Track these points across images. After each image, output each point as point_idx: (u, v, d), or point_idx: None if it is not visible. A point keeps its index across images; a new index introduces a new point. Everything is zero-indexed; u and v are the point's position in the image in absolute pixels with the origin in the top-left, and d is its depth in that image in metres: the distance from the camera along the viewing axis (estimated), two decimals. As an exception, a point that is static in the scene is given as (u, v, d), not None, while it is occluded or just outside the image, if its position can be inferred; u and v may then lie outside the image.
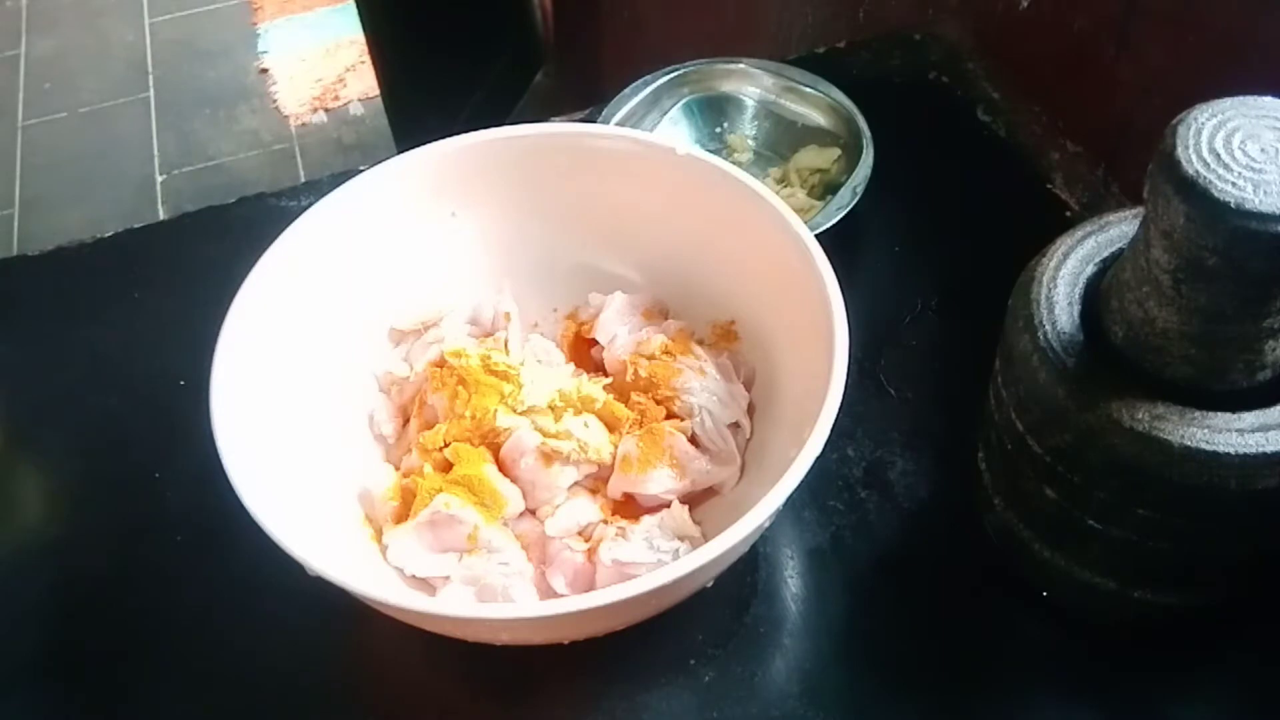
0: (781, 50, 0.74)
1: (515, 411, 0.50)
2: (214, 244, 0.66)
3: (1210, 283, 0.37)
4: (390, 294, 0.55)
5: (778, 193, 0.58)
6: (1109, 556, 0.44)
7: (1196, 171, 0.35)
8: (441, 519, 0.48)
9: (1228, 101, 0.37)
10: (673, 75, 0.70)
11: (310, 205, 0.52)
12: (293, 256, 0.50)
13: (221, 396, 0.45)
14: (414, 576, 0.48)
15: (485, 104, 1.47)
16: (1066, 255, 0.44)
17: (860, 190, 0.61)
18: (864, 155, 0.63)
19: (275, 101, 1.96)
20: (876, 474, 0.54)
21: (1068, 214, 0.66)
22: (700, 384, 0.52)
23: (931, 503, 0.53)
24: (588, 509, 0.50)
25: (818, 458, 0.41)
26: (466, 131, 0.54)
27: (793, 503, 0.46)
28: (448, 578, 0.48)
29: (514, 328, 0.56)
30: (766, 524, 0.42)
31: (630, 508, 0.51)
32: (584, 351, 0.56)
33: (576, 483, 0.51)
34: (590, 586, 0.48)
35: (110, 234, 0.70)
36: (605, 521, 0.49)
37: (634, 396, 0.52)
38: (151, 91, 1.96)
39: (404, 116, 1.54)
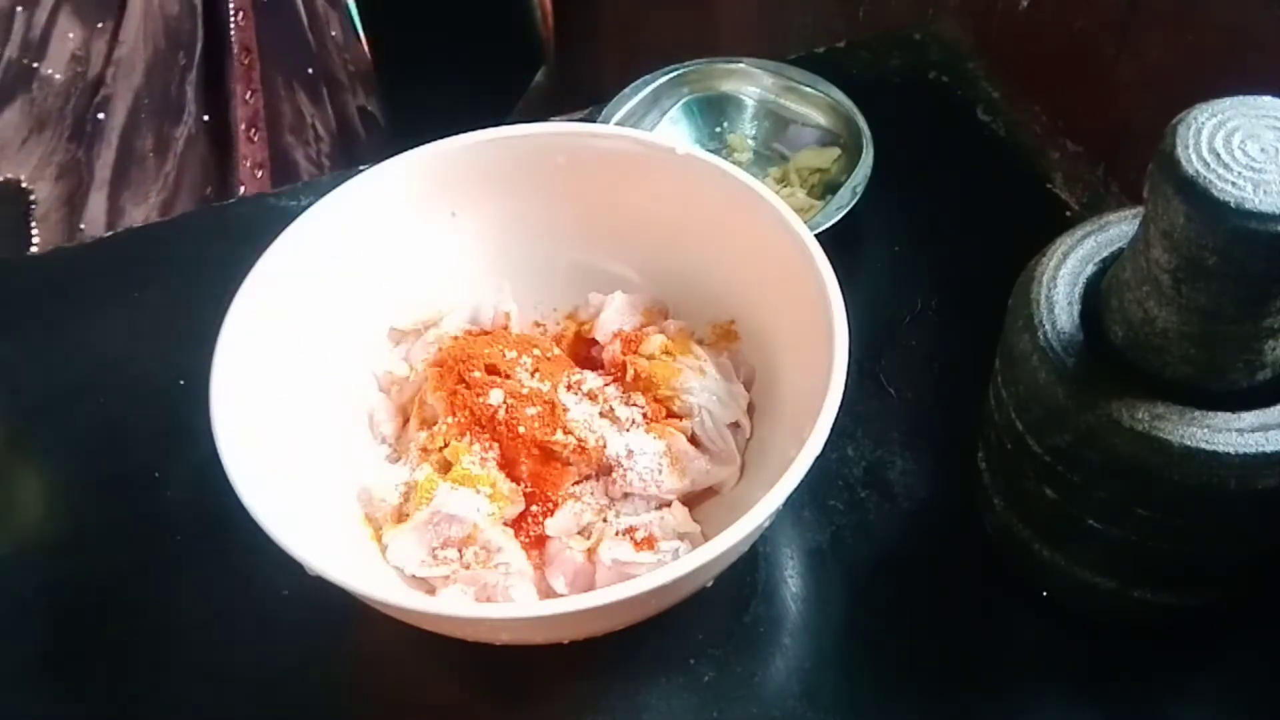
0: (781, 50, 0.74)
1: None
2: (214, 244, 0.66)
3: (1210, 283, 0.37)
4: (390, 294, 0.55)
5: (778, 193, 0.58)
6: (1109, 556, 0.44)
7: (1196, 171, 0.35)
8: (442, 519, 0.48)
9: (1228, 101, 0.37)
10: (673, 75, 0.70)
11: (310, 205, 0.52)
12: (293, 256, 0.50)
13: (221, 396, 0.45)
14: (414, 576, 0.48)
15: (485, 104, 1.47)
16: (1066, 255, 0.44)
17: (860, 190, 0.61)
18: (864, 155, 0.63)
19: (275, 101, 1.96)
20: (876, 474, 0.54)
21: (1068, 214, 0.65)
22: (700, 384, 0.52)
23: (931, 503, 0.53)
24: (588, 509, 0.50)
25: (818, 458, 0.41)
26: (466, 131, 0.54)
27: (793, 503, 0.46)
28: (448, 578, 0.48)
29: (514, 328, 0.56)
30: (766, 524, 0.42)
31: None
32: (584, 351, 0.56)
33: (576, 483, 0.51)
34: (590, 586, 0.47)
35: (110, 234, 0.70)
36: (605, 520, 0.49)
37: (634, 396, 0.52)
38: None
39: (404, 116, 1.53)
